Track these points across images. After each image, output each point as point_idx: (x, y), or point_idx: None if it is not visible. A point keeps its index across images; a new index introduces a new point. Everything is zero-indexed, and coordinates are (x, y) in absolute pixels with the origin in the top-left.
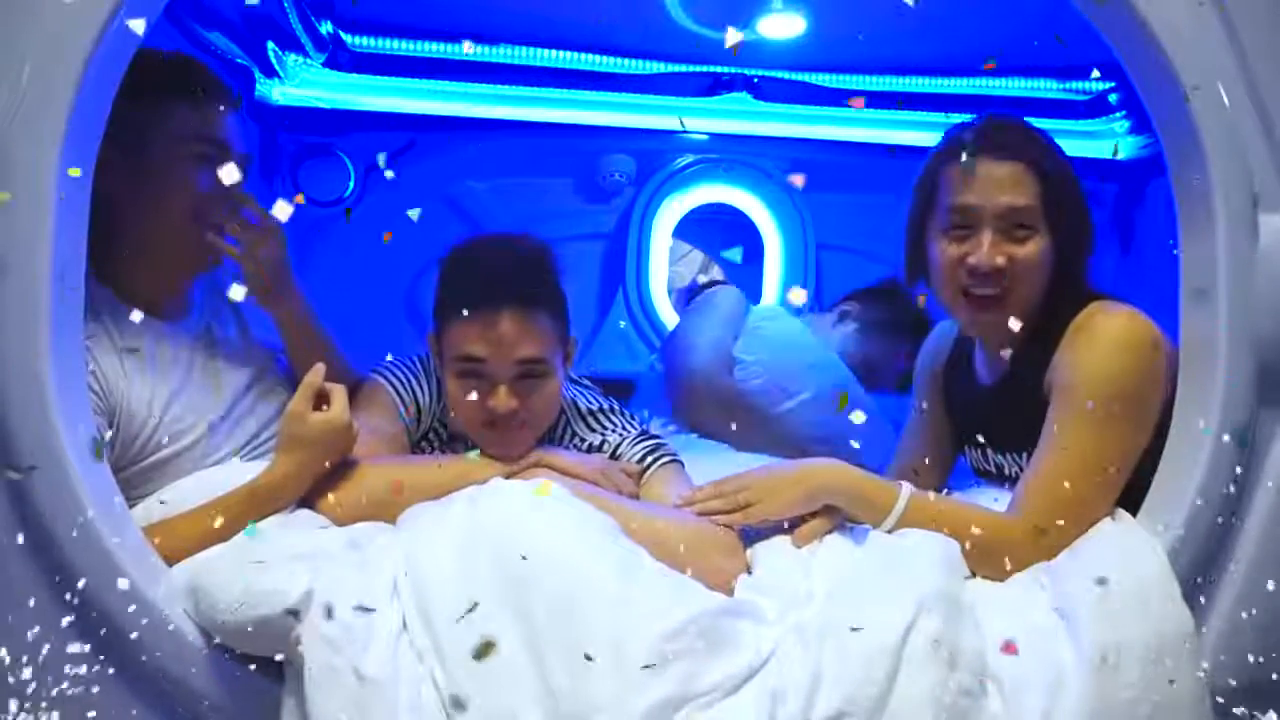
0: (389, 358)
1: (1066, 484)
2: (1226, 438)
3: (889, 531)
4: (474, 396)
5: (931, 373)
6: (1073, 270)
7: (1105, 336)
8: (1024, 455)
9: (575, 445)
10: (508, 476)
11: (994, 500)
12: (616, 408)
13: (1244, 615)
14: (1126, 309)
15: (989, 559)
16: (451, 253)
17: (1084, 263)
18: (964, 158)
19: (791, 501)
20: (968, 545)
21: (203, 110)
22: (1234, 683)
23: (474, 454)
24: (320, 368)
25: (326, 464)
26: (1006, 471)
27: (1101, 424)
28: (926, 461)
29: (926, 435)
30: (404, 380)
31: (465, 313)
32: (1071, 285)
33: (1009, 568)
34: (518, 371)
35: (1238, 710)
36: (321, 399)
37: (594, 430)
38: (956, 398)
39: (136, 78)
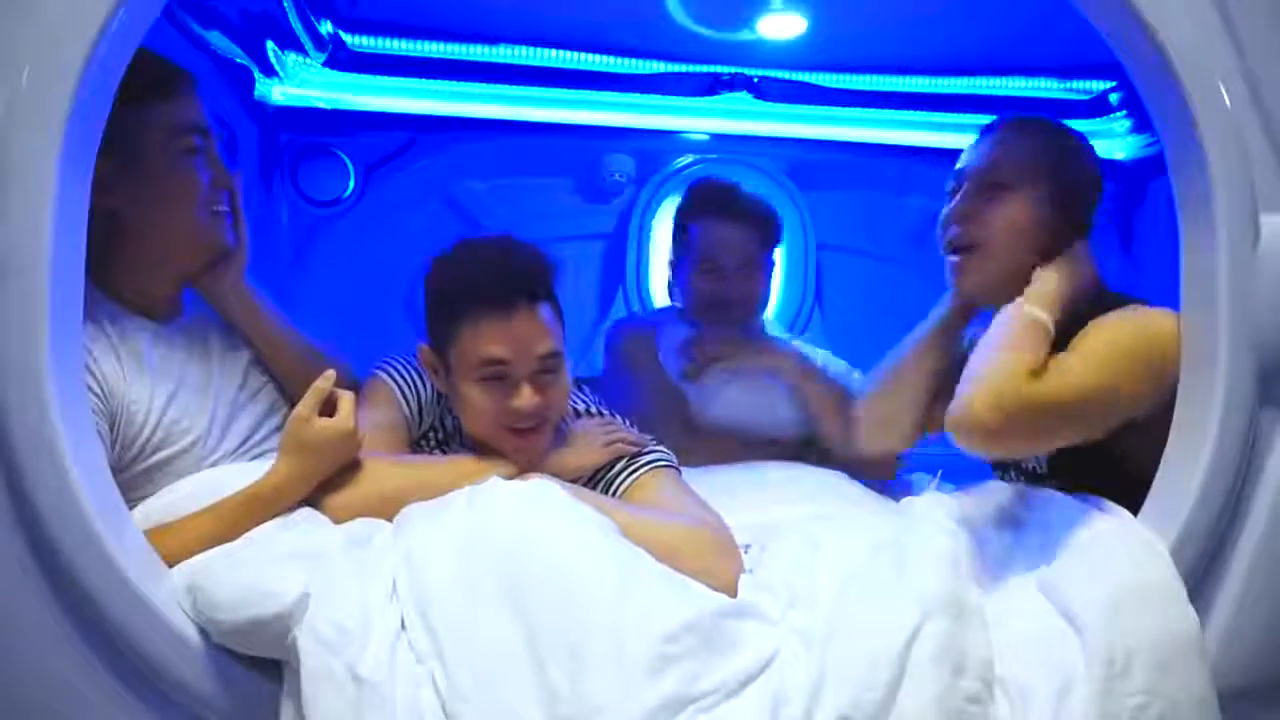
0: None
1: (1043, 387)
2: (1227, 438)
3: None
4: (496, 399)
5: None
6: (1064, 230)
7: (1137, 315)
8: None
9: None
10: (506, 477)
11: (999, 492)
12: (609, 411)
13: (1245, 615)
14: (1155, 308)
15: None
16: (441, 261)
17: (1076, 222)
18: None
19: None
20: None
21: (176, 102)
22: (1236, 683)
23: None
24: (331, 374)
25: (329, 470)
26: (1020, 463)
27: (1102, 365)
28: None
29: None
30: (405, 376)
31: (480, 316)
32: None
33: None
34: (538, 367)
35: (1240, 711)
36: (329, 404)
37: None
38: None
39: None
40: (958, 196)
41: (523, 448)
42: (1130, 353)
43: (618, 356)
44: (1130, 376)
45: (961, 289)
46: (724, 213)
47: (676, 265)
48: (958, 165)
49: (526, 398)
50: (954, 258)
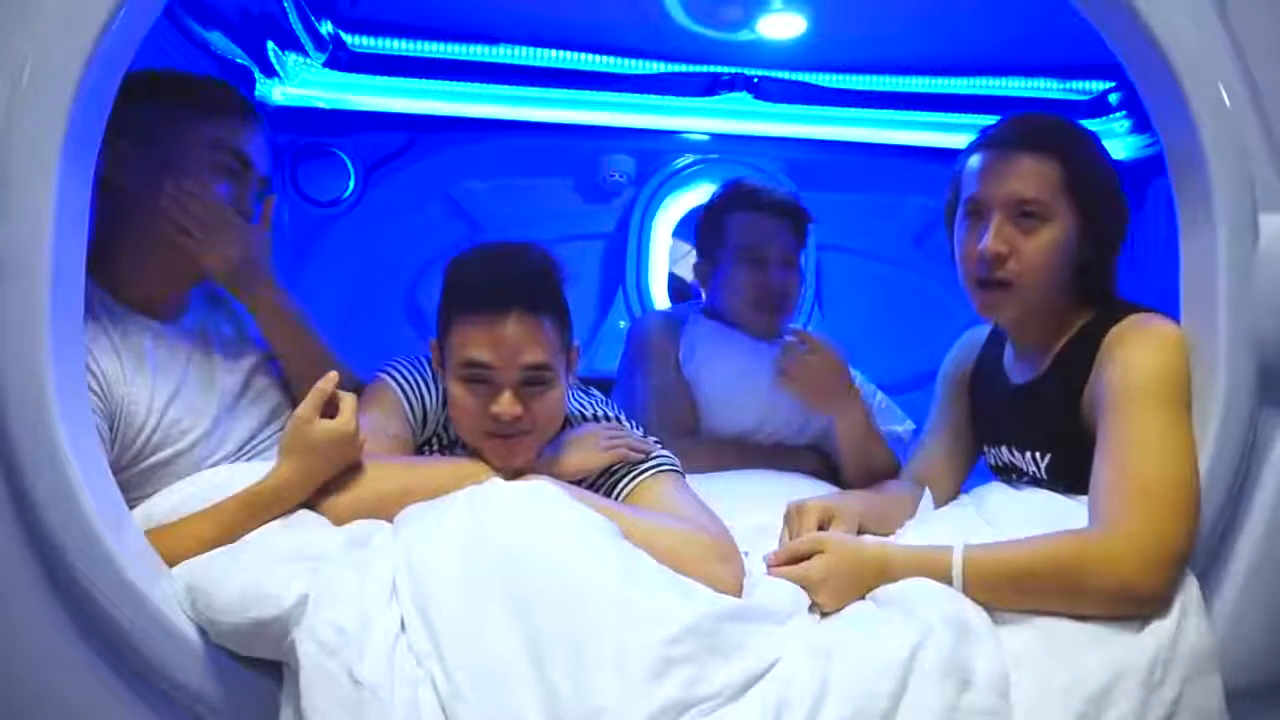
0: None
1: (1149, 473)
2: (1227, 438)
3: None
4: (477, 402)
5: (957, 378)
6: (1095, 261)
7: (1151, 338)
8: (1039, 454)
9: None
10: (506, 478)
11: (996, 493)
12: (617, 416)
13: (1245, 615)
14: (1163, 318)
15: (1091, 588)
16: (457, 258)
17: (1107, 252)
18: (978, 151)
19: (849, 600)
20: (1056, 584)
21: (229, 123)
22: (1236, 683)
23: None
24: (333, 376)
25: (330, 472)
26: (1022, 468)
27: (1166, 413)
28: (944, 465)
29: (945, 439)
30: (410, 381)
31: (471, 317)
32: (1094, 277)
33: (1118, 586)
34: (523, 378)
35: (1240, 711)
36: (330, 406)
37: None
38: (983, 398)
39: (169, 91)
40: (990, 231)
41: (502, 454)
42: (1175, 382)
43: (640, 348)
44: (1185, 407)
45: (995, 320)
46: (764, 204)
47: (711, 261)
48: (978, 192)
49: (505, 405)
50: (986, 292)
